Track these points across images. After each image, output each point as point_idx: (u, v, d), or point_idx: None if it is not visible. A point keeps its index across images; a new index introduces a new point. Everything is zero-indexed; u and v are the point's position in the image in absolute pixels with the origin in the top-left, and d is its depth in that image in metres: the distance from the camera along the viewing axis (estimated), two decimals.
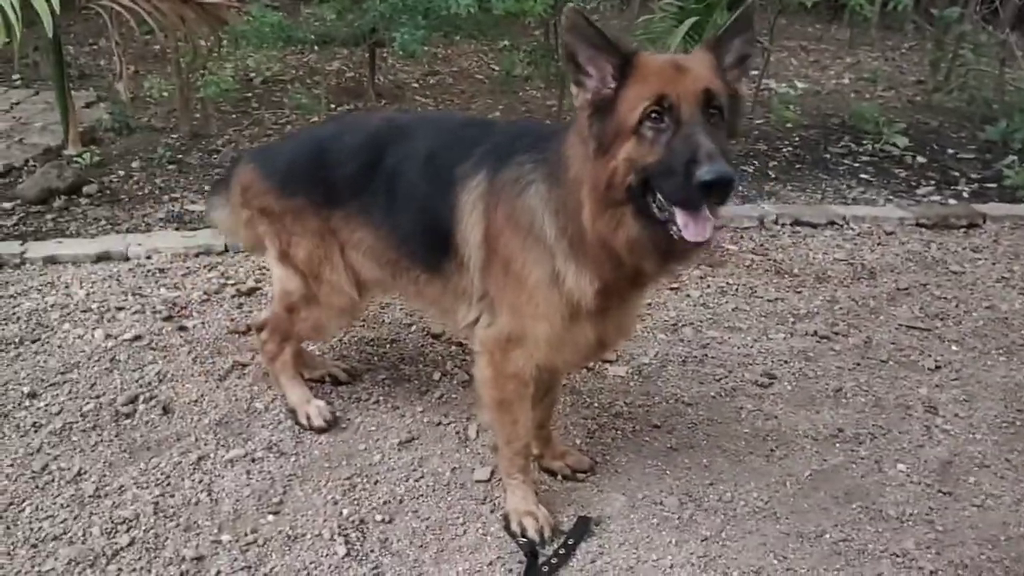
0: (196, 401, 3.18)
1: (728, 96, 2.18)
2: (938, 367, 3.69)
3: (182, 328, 3.62)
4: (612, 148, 2.14)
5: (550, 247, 2.40)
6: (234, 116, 6.48)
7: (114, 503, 2.70)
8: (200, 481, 2.80)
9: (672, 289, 4.20)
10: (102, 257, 4.16)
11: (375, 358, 3.56)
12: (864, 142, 6.50)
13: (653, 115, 2.08)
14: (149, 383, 3.26)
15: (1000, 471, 3.08)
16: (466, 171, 2.59)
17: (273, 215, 2.97)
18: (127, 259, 4.17)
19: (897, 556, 2.67)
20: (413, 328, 3.76)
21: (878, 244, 4.85)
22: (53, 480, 2.79)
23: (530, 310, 2.48)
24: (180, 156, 5.62)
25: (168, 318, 3.69)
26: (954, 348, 3.85)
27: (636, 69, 2.14)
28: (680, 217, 2.08)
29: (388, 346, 3.64)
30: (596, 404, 3.35)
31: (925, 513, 2.86)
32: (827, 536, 2.74)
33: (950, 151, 6.49)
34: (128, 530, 2.60)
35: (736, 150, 6.09)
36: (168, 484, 2.78)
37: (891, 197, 5.56)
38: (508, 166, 2.49)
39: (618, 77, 2.15)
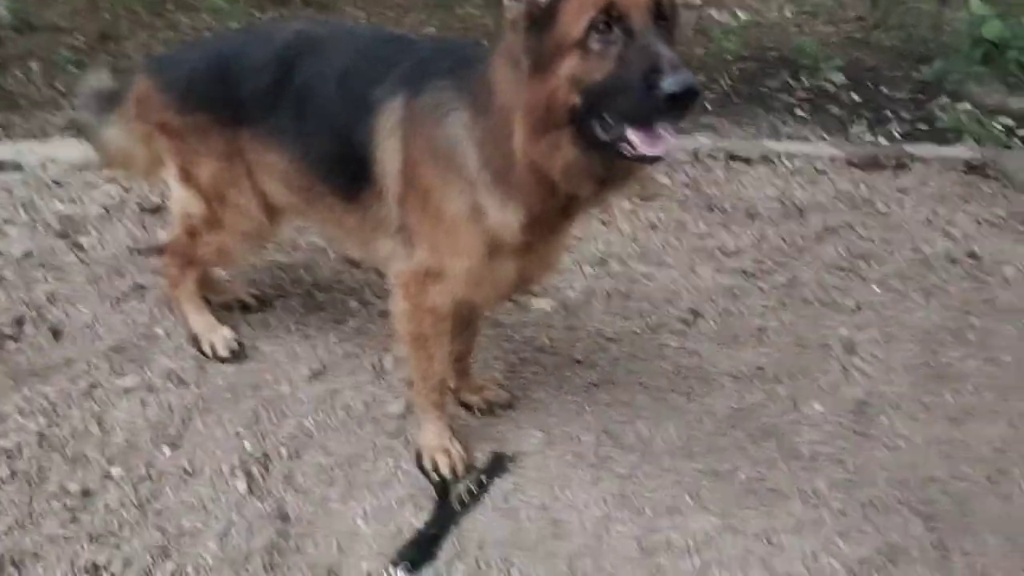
0: (89, 325, 2.97)
1: (670, 6, 2.03)
2: (859, 308, 3.70)
3: (77, 245, 3.37)
4: (552, 65, 1.96)
5: (472, 179, 2.25)
6: (147, 19, 6.03)
7: None
8: (90, 411, 2.63)
9: (601, 223, 4.09)
10: None
11: (288, 284, 3.38)
12: (801, 77, 6.42)
13: (601, 26, 1.91)
14: (38, 304, 3.02)
15: (913, 413, 3.12)
16: (383, 93, 2.40)
17: (173, 131, 2.74)
18: (20, 168, 3.84)
19: (808, 495, 2.68)
20: (330, 254, 3.58)
21: (809, 182, 4.80)
22: None
23: (449, 245, 2.34)
24: (85, 59, 5.20)
25: (63, 235, 3.42)
26: (876, 289, 3.86)
27: None
28: (633, 134, 1.93)
29: (302, 271, 3.47)
30: (518, 337, 3.26)
31: (838, 453, 2.88)
32: (740, 474, 2.73)
33: (885, 90, 6.46)
34: (9, 462, 2.43)
35: None
36: (55, 413, 2.60)
37: (824, 135, 5.53)
38: (428, 90, 2.31)
39: None
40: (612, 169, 2.07)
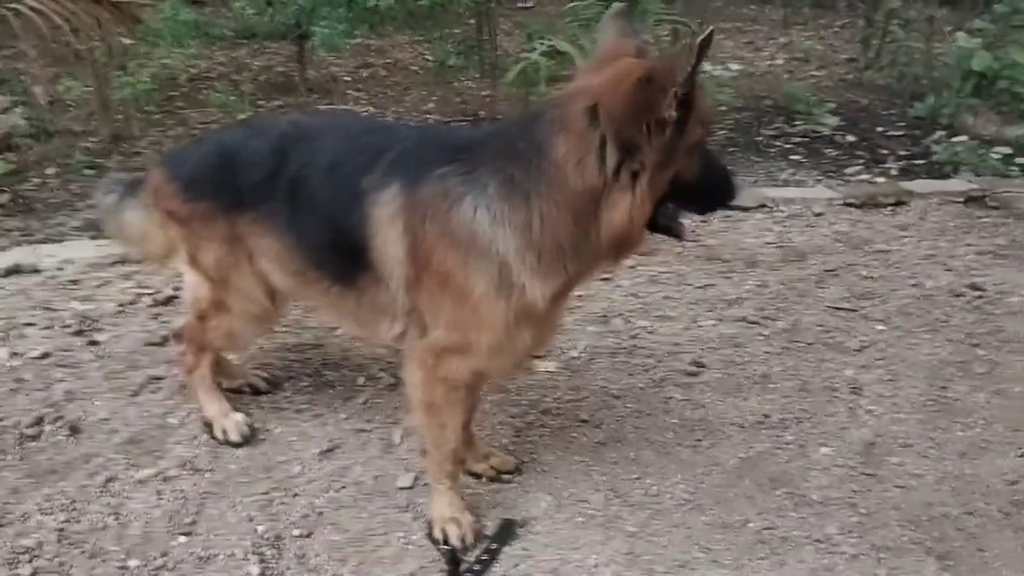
0: (106, 419, 3.06)
1: None
2: (863, 348, 3.71)
3: (93, 342, 3.49)
4: (673, 160, 2.19)
5: (504, 260, 2.32)
6: (158, 116, 6.30)
7: (17, 532, 2.58)
8: (108, 504, 2.69)
9: (603, 279, 4.16)
10: (12, 271, 3.99)
11: (297, 364, 3.47)
12: (796, 123, 6.54)
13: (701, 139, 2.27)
14: (56, 402, 3.12)
15: (923, 450, 3.10)
16: (374, 183, 2.49)
17: (180, 219, 2.88)
18: (38, 271, 4.01)
19: (820, 542, 2.67)
20: (337, 332, 3.67)
21: (807, 226, 4.87)
22: None
23: (474, 322, 2.40)
24: (99, 160, 5.45)
25: (79, 332, 3.55)
26: (879, 328, 3.88)
27: (694, 99, 2.16)
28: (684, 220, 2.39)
29: (311, 351, 3.56)
30: (524, 401, 3.30)
31: (848, 496, 2.86)
32: (751, 525, 2.73)
33: (879, 129, 6.56)
34: (31, 560, 2.48)
35: None
36: (74, 509, 2.67)
37: (821, 177, 5.61)
38: (428, 181, 2.39)
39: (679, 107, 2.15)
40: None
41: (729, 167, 2.36)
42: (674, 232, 2.38)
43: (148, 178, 3.02)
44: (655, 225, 2.29)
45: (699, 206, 2.46)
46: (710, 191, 2.34)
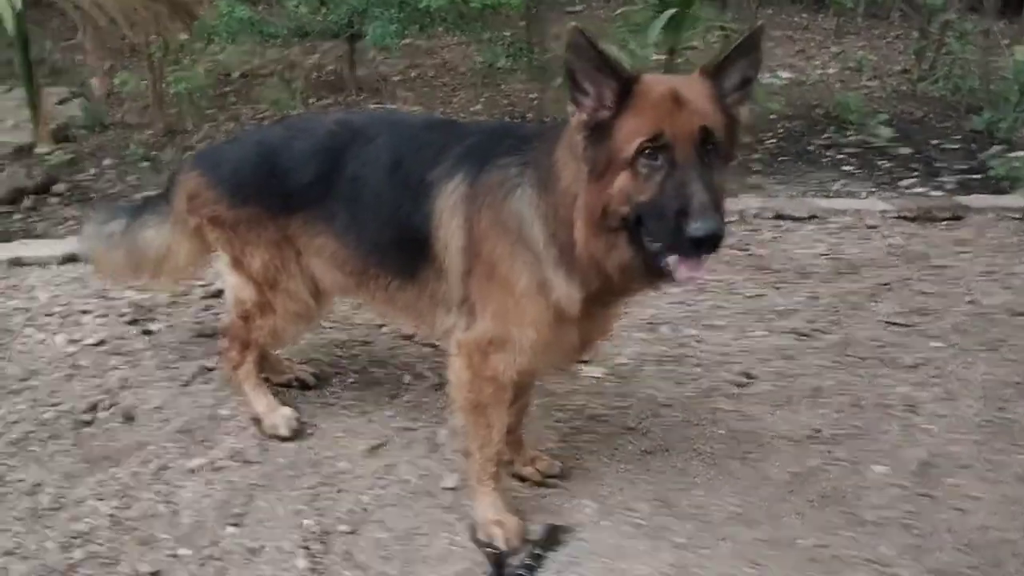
0: (159, 408, 3.10)
1: (725, 124, 2.12)
2: (918, 364, 3.63)
3: (147, 332, 3.55)
4: (607, 176, 2.07)
5: (539, 253, 2.33)
6: (211, 111, 6.39)
7: (71, 516, 2.63)
8: (159, 492, 2.73)
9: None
10: (69, 259, 4.08)
11: (345, 361, 3.49)
12: (848, 133, 6.44)
13: (648, 152, 2.01)
14: (111, 390, 3.18)
15: (980, 472, 3.02)
16: (441, 175, 2.51)
17: (224, 224, 2.87)
18: None
19: (873, 562, 2.61)
20: (384, 329, 3.69)
21: (860, 238, 4.79)
22: (9, 492, 2.72)
23: (516, 316, 2.41)
24: (154, 153, 5.54)
25: (133, 321, 3.61)
26: (935, 344, 3.79)
27: (635, 97, 2.06)
28: (671, 256, 2.04)
29: (358, 348, 3.57)
30: (570, 407, 3.28)
31: (903, 517, 2.80)
32: (802, 542, 2.67)
33: (934, 142, 6.42)
34: (84, 544, 2.53)
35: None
36: (127, 495, 2.71)
37: (874, 189, 5.51)
38: (490, 169, 2.41)
39: (616, 102, 2.07)
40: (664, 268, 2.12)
41: (710, 207, 1.92)
42: (659, 262, 2.07)
43: (181, 185, 2.99)
44: (642, 248, 2.10)
45: (657, 238, 2.04)
46: (661, 224, 2.00)
